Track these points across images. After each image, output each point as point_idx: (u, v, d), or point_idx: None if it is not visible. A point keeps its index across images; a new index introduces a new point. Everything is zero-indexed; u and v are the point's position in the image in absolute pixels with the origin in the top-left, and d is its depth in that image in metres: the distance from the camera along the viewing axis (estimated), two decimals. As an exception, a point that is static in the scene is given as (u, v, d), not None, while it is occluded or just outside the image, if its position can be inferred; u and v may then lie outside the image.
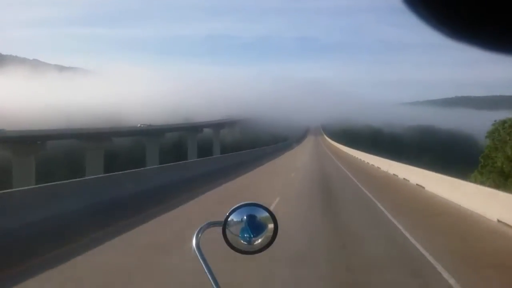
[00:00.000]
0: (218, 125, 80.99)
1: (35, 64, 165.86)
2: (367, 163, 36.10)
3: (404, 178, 21.86)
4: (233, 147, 70.21)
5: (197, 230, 1.55)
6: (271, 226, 1.54)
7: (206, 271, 1.49)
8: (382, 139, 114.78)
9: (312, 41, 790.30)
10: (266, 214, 1.56)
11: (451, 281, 5.61)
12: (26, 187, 14.22)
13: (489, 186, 17.28)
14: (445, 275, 5.84)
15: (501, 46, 0.64)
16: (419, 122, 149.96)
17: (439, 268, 6.16)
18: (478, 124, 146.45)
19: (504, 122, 24.63)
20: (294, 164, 32.98)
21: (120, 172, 16.20)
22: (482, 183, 20.32)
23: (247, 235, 1.53)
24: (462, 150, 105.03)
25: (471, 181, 18.53)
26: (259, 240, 1.53)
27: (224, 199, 13.11)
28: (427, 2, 0.62)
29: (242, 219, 1.54)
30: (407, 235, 8.47)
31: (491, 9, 0.58)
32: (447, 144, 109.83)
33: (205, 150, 73.09)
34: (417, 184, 18.90)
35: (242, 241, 1.53)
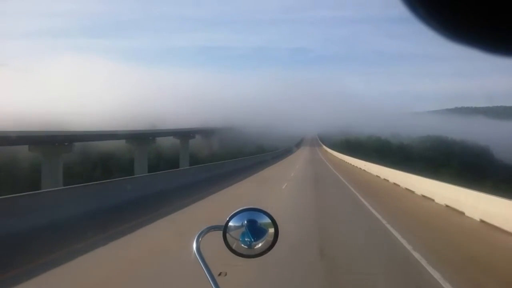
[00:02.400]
0: (185, 134, 64.56)
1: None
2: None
3: None
4: (205, 159, 56.46)
5: (198, 234, 1.53)
6: (271, 230, 1.52)
7: (207, 274, 1.47)
8: (390, 150, 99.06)
9: (308, 52, 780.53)
10: (267, 219, 1.52)
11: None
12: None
13: None
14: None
15: (503, 47, 0.60)
16: (427, 132, 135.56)
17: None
18: (489, 134, 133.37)
19: None
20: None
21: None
22: None
23: (248, 239, 1.51)
24: (484, 163, 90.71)
25: None
26: (260, 244, 1.51)
27: None
28: (428, 3, 0.59)
29: (242, 223, 1.51)
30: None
31: (493, 8, 0.57)
32: (464, 156, 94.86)
33: (173, 162, 58.45)
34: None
35: (242, 245, 1.51)
